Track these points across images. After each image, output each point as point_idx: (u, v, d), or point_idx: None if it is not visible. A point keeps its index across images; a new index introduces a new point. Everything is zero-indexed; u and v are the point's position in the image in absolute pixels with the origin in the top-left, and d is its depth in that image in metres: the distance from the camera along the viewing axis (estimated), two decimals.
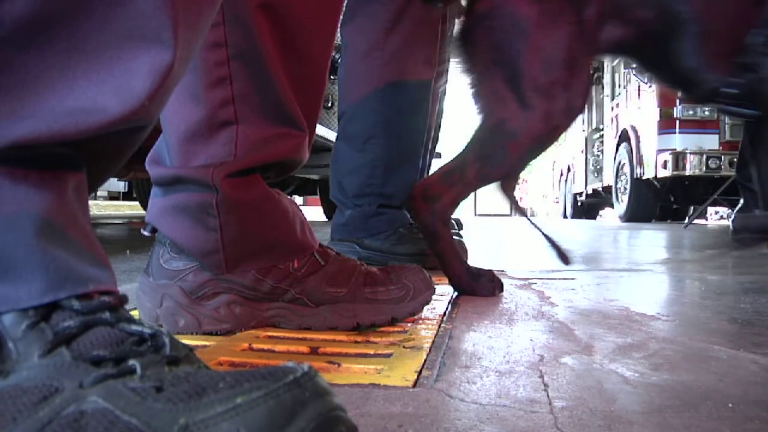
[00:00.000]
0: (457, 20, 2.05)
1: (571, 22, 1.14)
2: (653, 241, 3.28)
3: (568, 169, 10.75)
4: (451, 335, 0.82)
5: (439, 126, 2.39)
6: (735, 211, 1.84)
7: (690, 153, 5.95)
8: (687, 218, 4.10)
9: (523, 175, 1.43)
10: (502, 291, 1.20)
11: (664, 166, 6.09)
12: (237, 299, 0.80)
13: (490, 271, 1.21)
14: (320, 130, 2.95)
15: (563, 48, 1.14)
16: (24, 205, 0.39)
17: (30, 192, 0.40)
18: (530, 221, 1.40)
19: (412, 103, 1.59)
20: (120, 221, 5.30)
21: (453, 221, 2.45)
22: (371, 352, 0.72)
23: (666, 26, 1.16)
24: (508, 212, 12.85)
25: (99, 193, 8.97)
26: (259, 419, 0.32)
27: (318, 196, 5.66)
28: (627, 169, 6.94)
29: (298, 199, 7.17)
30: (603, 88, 8.51)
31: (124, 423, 0.32)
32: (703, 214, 2.36)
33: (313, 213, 6.96)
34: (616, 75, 7.87)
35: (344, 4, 0.85)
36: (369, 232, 1.59)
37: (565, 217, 10.85)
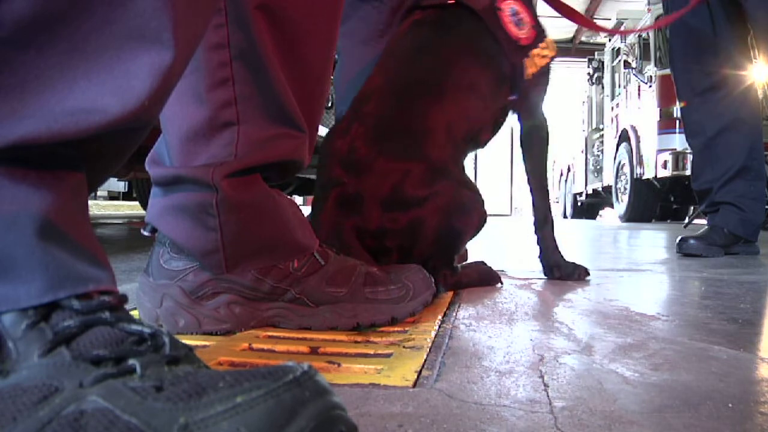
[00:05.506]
0: None
1: None
2: (653, 241, 3.29)
3: (568, 169, 10.76)
4: (451, 335, 0.82)
5: None
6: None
7: (690, 153, 5.95)
8: (687, 218, 4.10)
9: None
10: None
11: (664, 166, 6.09)
12: (237, 299, 0.80)
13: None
14: (320, 130, 2.95)
15: None
16: (24, 204, 0.39)
17: (30, 192, 0.40)
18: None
19: None
20: (120, 221, 5.30)
21: None
22: (371, 352, 0.72)
23: None
24: (508, 212, 12.84)
25: (99, 193, 8.97)
26: (259, 418, 0.32)
27: None
28: (627, 169, 6.95)
29: (298, 199, 7.16)
30: (603, 88, 8.51)
31: (124, 422, 0.32)
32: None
33: None
34: (616, 75, 7.87)
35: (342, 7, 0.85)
36: None
37: (565, 217, 10.86)
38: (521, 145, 1.38)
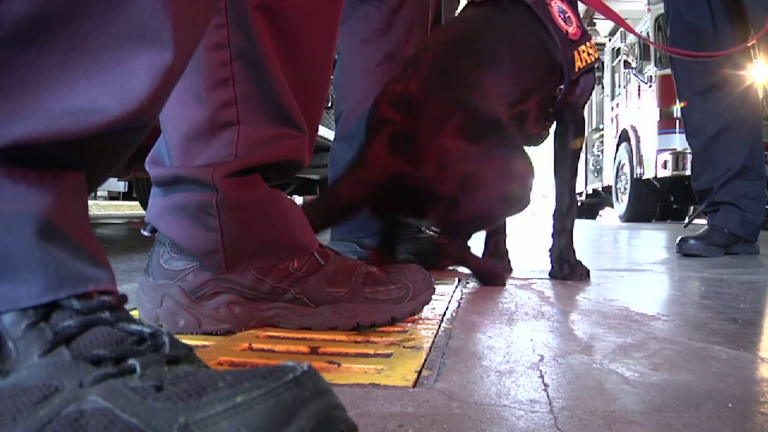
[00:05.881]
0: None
1: None
2: (653, 241, 3.28)
3: None
4: (451, 335, 0.82)
5: None
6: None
7: (690, 153, 5.95)
8: (687, 218, 4.10)
9: None
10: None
11: (664, 166, 6.08)
12: (237, 299, 0.80)
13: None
14: (320, 130, 2.95)
15: None
16: (23, 204, 0.39)
17: (29, 192, 0.40)
18: None
19: None
20: (120, 221, 5.30)
21: None
22: (371, 352, 0.72)
23: None
24: None
25: (99, 193, 8.97)
26: (259, 418, 0.32)
27: None
28: (627, 169, 6.94)
29: (298, 199, 7.16)
30: (603, 88, 8.50)
31: (123, 422, 0.32)
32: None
33: None
34: (616, 75, 7.87)
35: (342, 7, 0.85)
36: (369, 232, 1.59)
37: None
38: (556, 135, 1.41)
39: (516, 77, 1.26)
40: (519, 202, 1.19)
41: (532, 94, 1.31)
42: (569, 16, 1.38)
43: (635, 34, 1.83)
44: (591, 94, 1.45)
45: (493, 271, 1.30)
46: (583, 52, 1.36)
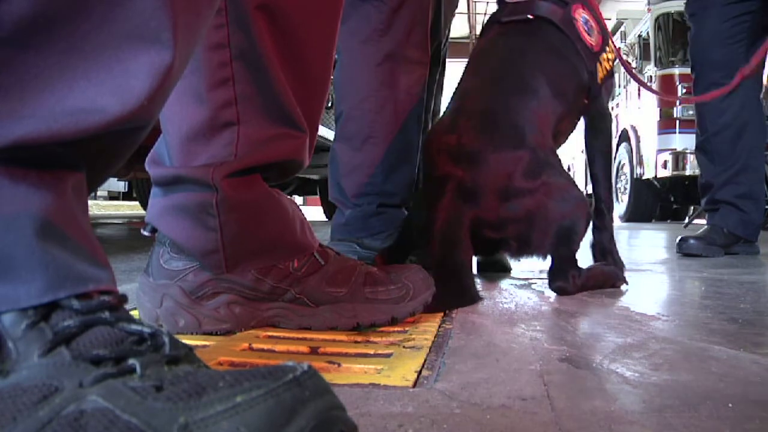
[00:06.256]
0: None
1: None
2: (653, 241, 3.28)
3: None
4: (451, 335, 0.82)
5: None
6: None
7: (690, 153, 5.94)
8: (687, 218, 4.10)
9: None
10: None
11: (664, 166, 6.08)
12: (237, 299, 0.80)
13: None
14: (320, 130, 2.96)
15: None
16: (23, 204, 0.39)
17: (29, 192, 0.40)
18: None
19: (408, 102, 1.60)
20: (120, 221, 5.30)
21: None
22: (371, 352, 0.72)
23: None
24: None
25: (99, 193, 8.97)
26: (259, 418, 0.32)
27: (318, 196, 5.66)
28: (627, 169, 6.94)
29: (298, 199, 7.16)
30: None
31: (123, 422, 0.32)
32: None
33: (313, 213, 6.96)
34: (616, 75, 7.86)
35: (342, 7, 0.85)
36: (369, 232, 1.59)
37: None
38: (587, 140, 1.44)
39: (554, 105, 1.29)
40: (586, 220, 1.23)
41: (567, 116, 1.35)
42: (591, 26, 1.40)
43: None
44: (611, 96, 1.49)
45: (610, 274, 1.31)
46: (605, 60, 1.40)
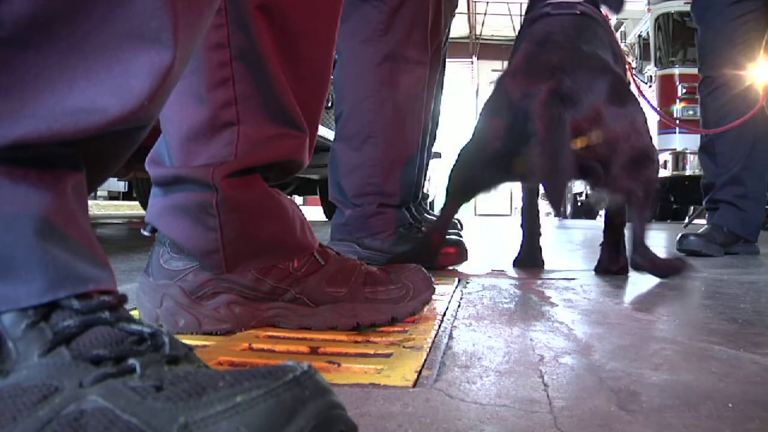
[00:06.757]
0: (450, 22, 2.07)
1: None
2: (653, 241, 3.28)
3: None
4: (451, 335, 0.82)
5: (436, 124, 2.40)
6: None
7: (690, 153, 5.95)
8: (687, 218, 4.10)
9: None
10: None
11: (664, 166, 6.09)
12: (237, 299, 0.80)
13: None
14: (320, 130, 2.96)
15: None
16: (23, 204, 0.39)
17: (29, 192, 0.40)
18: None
19: (408, 102, 1.60)
20: (120, 221, 5.30)
21: (453, 221, 2.45)
22: (371, 352, 0.72)
23: None
24: (508, 212, 12.82)
25: (99, 193, 8.97)
26: (259, 418, 0.32)
27: (318, 196, 5.67)
28: None
29: (298, 199, 7.16)
30: None
31: (123, 422, 0.32)
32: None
33: (313, 213, 6.96)
34: None
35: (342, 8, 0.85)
36: (369, 232, 1.60)
37: (565, 217, 10.84)
38: None
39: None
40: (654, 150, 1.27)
41: None
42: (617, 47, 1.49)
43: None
44: None
45: (676, 262, 1.35)
46: (628, 63, 1.51)
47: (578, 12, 1.42)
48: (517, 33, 1.62)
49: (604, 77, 1.20)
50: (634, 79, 1.80)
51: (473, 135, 1.38)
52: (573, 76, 1.16)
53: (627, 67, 1.53)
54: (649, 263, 1.27)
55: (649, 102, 2.10)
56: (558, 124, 1.11)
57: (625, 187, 1.21)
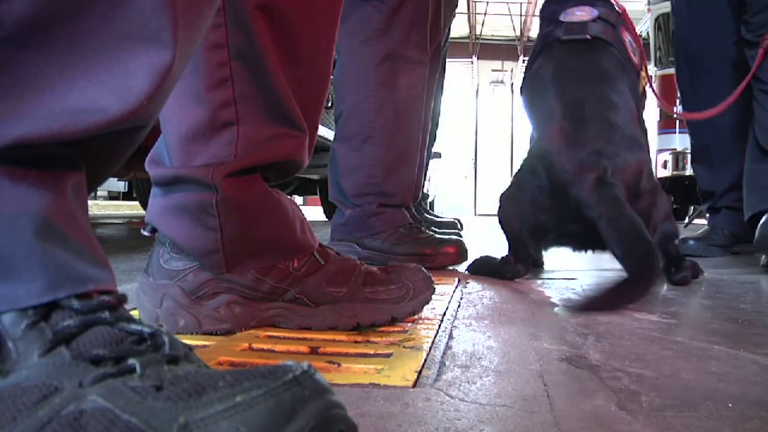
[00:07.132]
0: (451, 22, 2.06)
1: None
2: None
3: None
4: (451, 335, 0.82)
5: (437, 125, 2.40)
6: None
7: (690, 153, 5.95)
8: (687, 218, 4.10)
9: None
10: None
11: (664, 166, 6.08)
12: (237, 299, 0.80)
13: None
14: (320, 130, 2.96)
15: None
16: (23, 204, 0.39)
17: (29, 192, 0.40)
18: None
19: (408, 102, 1.60)
20: (120, 221, 5.30)
21: (453, 221, 2.45)
22: (371, 352, 0.72)
23: None
24: None
25: (99, 193, 8.97)
26: (259, 417, 0.32)
27: (318, 196, 5.67)
28: None
29: (298, 199, 7.16)
30: None
31: (123, 422, 0.32)
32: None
33: (313, 213, 6.96)
34: None
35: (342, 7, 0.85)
36: (369, 232, 1.60)
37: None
38: None
39: (636, 116, 1.42)
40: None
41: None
42: (634, 47, 1.51)
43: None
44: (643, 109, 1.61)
45: (695, 268, 1.42)
46: (642, 78, 1.51)
47: (589, 36, 1.45)
48: (533, 47, 1.59)
49: (641, 157, 1.30)
50: (648, 78, 1.80)
51: (518, 191, 1.39)
52: (614, 161, 1.25)
53: (644, 77, 1.53)
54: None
55: (659, 98, 2.08)
56: (615, 200, 1.20)
57: (661, 230, 1.33)
